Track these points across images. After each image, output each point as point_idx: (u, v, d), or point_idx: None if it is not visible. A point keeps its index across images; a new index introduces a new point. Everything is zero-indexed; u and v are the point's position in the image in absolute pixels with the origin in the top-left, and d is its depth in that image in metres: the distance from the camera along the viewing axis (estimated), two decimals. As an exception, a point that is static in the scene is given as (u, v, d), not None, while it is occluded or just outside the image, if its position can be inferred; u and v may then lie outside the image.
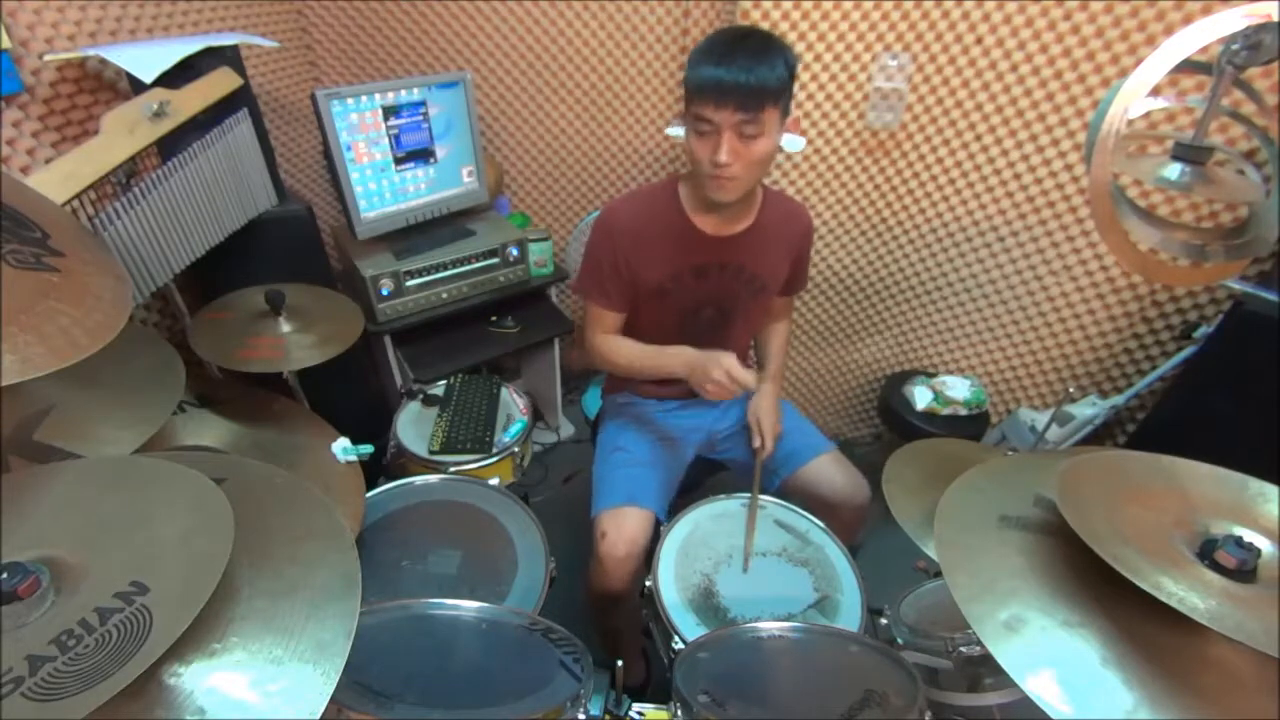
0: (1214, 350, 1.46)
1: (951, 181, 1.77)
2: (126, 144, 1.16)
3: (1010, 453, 1.31)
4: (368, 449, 1.22)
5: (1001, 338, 1.95)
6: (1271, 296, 1.35)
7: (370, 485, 1.21)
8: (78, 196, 1.06)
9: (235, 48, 1.40)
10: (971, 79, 1.62)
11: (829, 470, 1.33)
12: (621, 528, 1.19)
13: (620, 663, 0.85)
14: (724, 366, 1.09)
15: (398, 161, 1.79)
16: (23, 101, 1.20)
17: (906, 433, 1.87)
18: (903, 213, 1.86)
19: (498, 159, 2.22)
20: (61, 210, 0.88)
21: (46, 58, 1.22)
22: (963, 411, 1.86)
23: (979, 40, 1.57)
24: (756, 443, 1.28)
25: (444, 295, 1.86)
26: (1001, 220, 1.78)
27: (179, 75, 1.26)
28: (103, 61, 1.32)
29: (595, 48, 1.97)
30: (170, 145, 1.25)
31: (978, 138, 1.69)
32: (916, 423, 1.86)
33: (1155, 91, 0.93)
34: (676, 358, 1.19)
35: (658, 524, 1.22)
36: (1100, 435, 1.88)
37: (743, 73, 0.98)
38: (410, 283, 1.79)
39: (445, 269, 1.83)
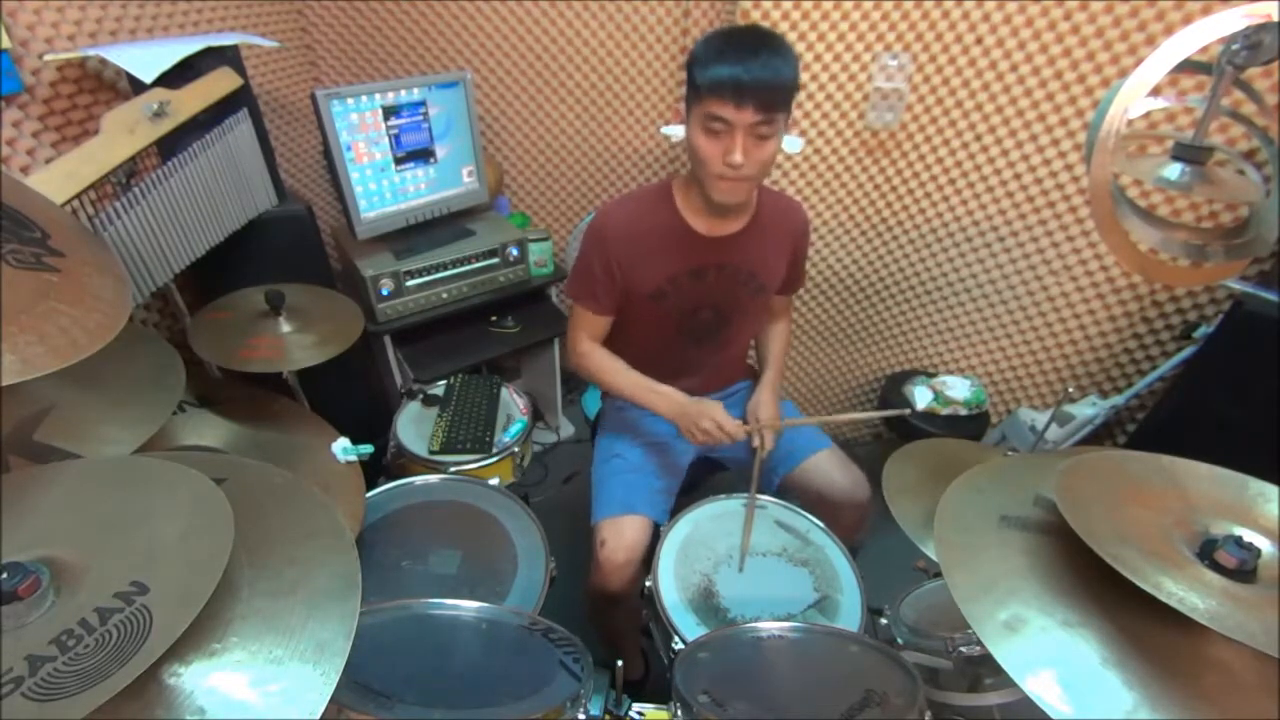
0: (1214, 350, 1.46)
1: (951, 181, 1.77)
2: (126, 144, 1.16)
3: (1010, 453, 1.31)
4: (368, 449, 1.22)
5: (1001, 338, 1.95)
6: (1271, 296, 1.35)
7: (370, 485, 1.21)
8: (78, 196, 1.06)
9: (235, 48, 1.40)
10: (971, 79, 1.62)
11: (827, 467, 1.32)
12: (621, 535, 1.19)
13: (620, 663, 0.85)
14: (714, 418, 1.14)
15: (398, 161, 1.78)
16: (23, 101, 1.20)
17: (906, 433, 1.87)
18: (903, 213, 1.86)
19: (498, 159, 2.22)
20: (61, 210, 0.88)
21: (46, 58, 1.22)
22: (963, 411, 1.86)
23: (979, 40, 1.57)
24: (755, 442, 1.29)
25: (444, 295, 1.86)
26: (1001, 220, 1.78)
27: (179, 75, 1.26)
28: (103, 61, 1.32)
29: (595, 48, 1.97)
30: (170, 145, 1.25)
31: (978, 138, 1.69)
32: (916, 423, 1.86)
33: (1155, 91, 0.93)
34: (663, 399, 1.22)
35: (656, 529, 1.22)
36: (1100, 435, 1.88)
37: (765, 72, 0.97)
38: (410, 283, 1.79)
39: (445, 269, 1.83)
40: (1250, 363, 1.35)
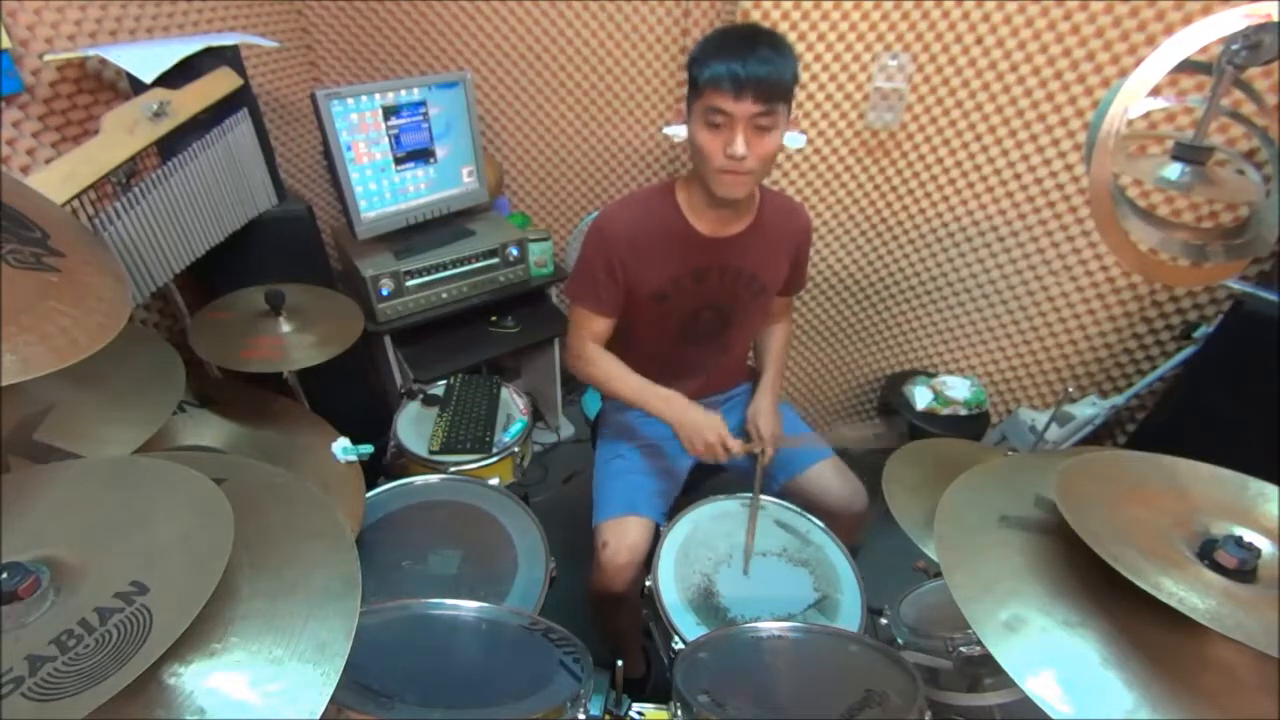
0: (1214, 350, 1.45)
1: (951, 181, 1.77)
2: (126, 144, 1.16)
3: (1010, 453, 1.31)
4: (368, 449, 1.21)
5: (1001, 338, 1.95)
6: (1271, 296, 1.35)
7: (370, 485, 1.21)
8: (78, 196, 1.06)
9: (235, 48, 1.40)
10: (971, 79, 1.62)
11: (827, 477, 1.33)
12: (623, 537, 1.19)
13: (620, 663, 0.85)
14: (718, 433, 1.14)
15: (398, 161, 1.78)
16: (23, 101, 1.20)
17: (907, 433, 1.87)
18: (903, 213, 1.86)
19: (498, 159, 2.22)
20: (61, 210, 0.88)
21: (46, 58, 1.22)
22: (963, 411, 1.86)
23: (979, 40, 1.57)
24: (756, 448, 1.28)
25: (444, 295, 1.86)
26: (1001, 220, 1.78)
27: (179, 75, 1.26)
28: (103, 61, 1.32)
29: (595, 48, 1.97)
30: (170, 145, 1.25)
31: (978, 138, 1.69)
32: (916, 423, 1.86)
33: (1155, 91, 0.93)
34: (667, 405, 1.20)
35: (658, 530, 1.22)
36: (1100, 435, 1.88)
37: (762, 65, 0.98)
38: (410, 283, 1.79)
39: (445, 269, 1.83)
40: (1250, 363, 1.35)
